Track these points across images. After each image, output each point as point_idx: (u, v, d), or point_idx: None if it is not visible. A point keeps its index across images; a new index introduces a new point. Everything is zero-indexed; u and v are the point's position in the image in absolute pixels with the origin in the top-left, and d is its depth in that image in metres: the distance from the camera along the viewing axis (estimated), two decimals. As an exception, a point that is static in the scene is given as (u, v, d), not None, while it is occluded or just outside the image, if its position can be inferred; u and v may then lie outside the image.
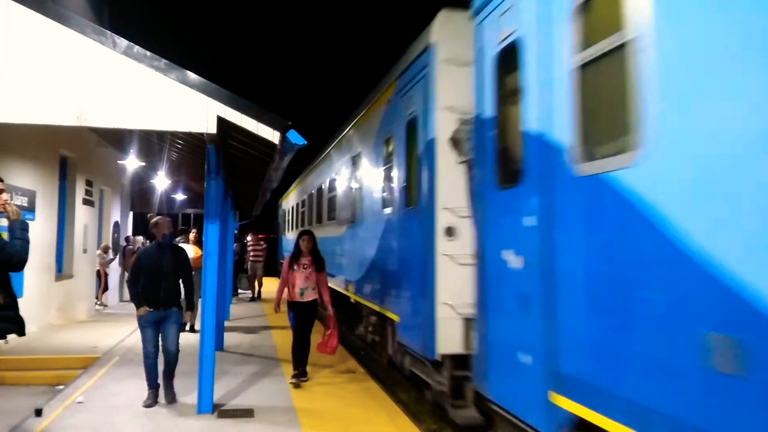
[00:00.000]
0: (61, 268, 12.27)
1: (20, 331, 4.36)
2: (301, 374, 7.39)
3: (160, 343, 6.42)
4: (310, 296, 7.42)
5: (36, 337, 9.79)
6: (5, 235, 4.34)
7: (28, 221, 4.53)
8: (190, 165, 12.72)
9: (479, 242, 4.96)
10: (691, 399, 2.54)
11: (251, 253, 17.29)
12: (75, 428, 5.46)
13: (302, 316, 7.42)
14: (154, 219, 6.65)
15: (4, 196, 4.40)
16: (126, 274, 15.94)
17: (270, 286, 23.29)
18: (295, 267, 7.38)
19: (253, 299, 17.14)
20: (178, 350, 6.44)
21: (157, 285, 6.25)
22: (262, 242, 17.81)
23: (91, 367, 7.91)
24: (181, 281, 6.51)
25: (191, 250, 9.97)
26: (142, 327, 6.33)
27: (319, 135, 14.96)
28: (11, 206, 4.39)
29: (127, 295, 16.18)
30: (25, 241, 4.29)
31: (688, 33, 2.71)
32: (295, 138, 5.91)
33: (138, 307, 6.28)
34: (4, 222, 4.41)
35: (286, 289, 7.63)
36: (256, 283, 17.44)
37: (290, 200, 23.03)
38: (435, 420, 6.90)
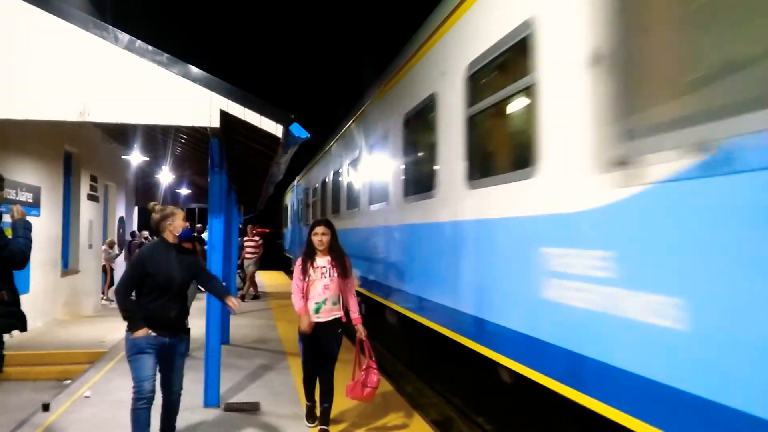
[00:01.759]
0: (67, 264, 12.31)
1: (22, 326, 4.42)
2: (320, 420, 5.28)
3: (158, 381, 4.62)
4: (332, 313, 5.19)
5: (43, 332, 9.84)
6: (9, 232, 4.37)
7: (32, 218, 4.58)
8: (194, 159, 12.73)
9: None
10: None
11: (245, 249, 15.74)
12: (82, 423, 5.48)
13: (320, 343, 5.20)
14: (163, 209, 4.75)
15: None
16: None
17: (273, 279, 23.35)
18: (310, 272, 5.19)
19: (254, 297, 15.81)
20: (181, 391, 4.81)
21: (168, 301, 4.51)
22: (256, 237, 16.18)
23: (98, 362, 7.94)
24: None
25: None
26: (137, 354, 4.42)
27: (321, 128, 14.63)
28: (17, 207, 4.48)
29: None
30: (28, 240, 4.35)
31: None
32: (298, 131, 5.90)
33: (134, 327, 4.40)
34: (8, 219, 4.45)
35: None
36: (249, 282, 15.96)
37: (318, 173, 15.51)
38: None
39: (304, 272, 5.21)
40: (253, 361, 8.08)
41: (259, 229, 17.45)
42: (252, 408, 5.98)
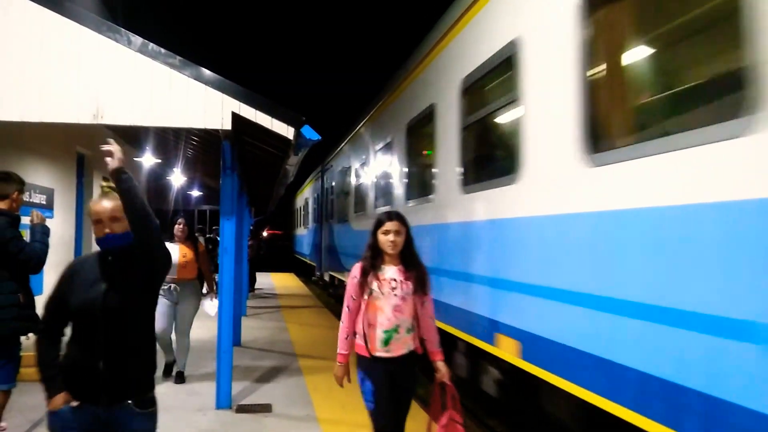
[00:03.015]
0: (80, 265, 12.37)
1: (37, 329, 4.48)
2: None
3: None
4: (406, 345, 3.77)
5: (56, 333, 9.90)
6: (26, 234, 4.43)
7: (48, 222, 4.65)
8: (206, 161, 12.77)
9: None
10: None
11: None
12: (96, 423, 5.51)
13: (393, 387, 3.74)
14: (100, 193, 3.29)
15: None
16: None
17: (284, 281, 23.35)
18: (373, 287, 3.72)
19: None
20: None
21: (91, 343, 2.74)
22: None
23: (111, 363, 7.98)
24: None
25: (176, 251, 7.05)
26: None
27: (333, 130, 14.43)
28: (37, 212, 4.59)
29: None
30: (45, 245, 4.44)
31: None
32: (309, 133, 5.92)
33: (47, 392, 2.79)
34: (27, 221, 4.52)
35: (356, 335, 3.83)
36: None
37: (368, 141, 10.00)
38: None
39: (364, 287, 3.72)
40: (264, 363, 8.10)
41: (270, 231, 16.90)
42: (264, 410, 6.00)
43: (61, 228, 10.58)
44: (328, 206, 15.30)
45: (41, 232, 4.46)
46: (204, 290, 7.57)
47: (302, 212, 24.93)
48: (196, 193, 23.36)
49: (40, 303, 4.55)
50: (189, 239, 7.35)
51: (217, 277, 6.60)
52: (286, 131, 5.67)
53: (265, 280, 22.33)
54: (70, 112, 5.40)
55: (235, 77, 5.63)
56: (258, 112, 5.63)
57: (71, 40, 5.43)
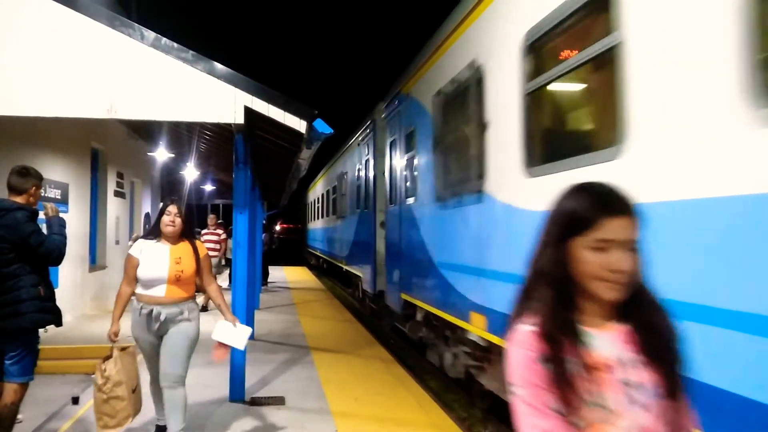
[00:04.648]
0: (95, 259, 12.50)
1: (58, 321, 4.54)
2: None
3: None
4: None
5: (72, 326, 9.99)
6: (43, 228, 4.48)
7: (63, 216, 4.69)
8: (219, 156, 12.82)
9: None
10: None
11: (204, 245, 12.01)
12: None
13: None
14: None
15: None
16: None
17: (297, 275, 23.37)
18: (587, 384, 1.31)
19: (203, 308, 9.27)
20: None
21: None
22: (219, 230, 13.50)
23: (126, 356, 8.04)
24: None
25: (164, 255, 4.52)
26: None
27: (345, 124, 14.36)
28: (51, 205, 4.60)
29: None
30: (63, 237, 4.48)
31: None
32: (322, 127, 5.92)
33: None
34: (42, 215, 4.56)
35: None
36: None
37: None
38: (464, 408, 6.89)
39: (563, 386, 1.33)
40: (278, 356, 8.13)
41: (283, 225, 16.48)
42: (277, 402, 6.02)
43: (75, 222, 10.68)
44: (399, 176, 8.78)
45: (58, 225, 4.50)
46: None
47: (329, 197, 19.25)
48: (209, 187, 23.47)
49: (58, 294, 4.61)
50: (185, 236, 4.66)
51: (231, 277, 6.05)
52: (299, 125, 5.67)
53: (278, 274, 22.41)
54: (83, 106, 5.43)
55: (248, 71, 5.65)
56: (270, 106, 5.64)
57: (84, 35, 5.45)
